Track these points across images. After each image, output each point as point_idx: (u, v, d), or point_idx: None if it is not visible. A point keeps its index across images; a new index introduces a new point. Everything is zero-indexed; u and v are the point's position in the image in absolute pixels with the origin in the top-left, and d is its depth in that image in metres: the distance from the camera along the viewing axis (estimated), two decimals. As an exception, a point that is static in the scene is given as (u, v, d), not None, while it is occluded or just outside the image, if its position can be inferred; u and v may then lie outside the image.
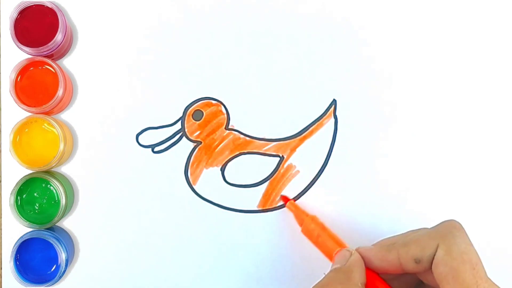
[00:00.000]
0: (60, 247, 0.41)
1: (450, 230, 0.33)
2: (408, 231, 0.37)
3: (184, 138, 0.45)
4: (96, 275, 0.44)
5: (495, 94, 0.46)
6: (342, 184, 0.45)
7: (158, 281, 0.44)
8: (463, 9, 0.46)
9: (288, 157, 0.45)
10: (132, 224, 0.44)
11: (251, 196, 0.45)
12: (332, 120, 0.45)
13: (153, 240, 0.44)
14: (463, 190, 0.45)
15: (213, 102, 0.45)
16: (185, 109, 0.45)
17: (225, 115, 0.45)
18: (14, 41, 0.41)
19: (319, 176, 0.45)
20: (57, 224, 0.43)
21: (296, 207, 0.44)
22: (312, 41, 0.45)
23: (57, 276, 0.41)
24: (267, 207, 0.44)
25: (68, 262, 0.41)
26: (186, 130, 0.45)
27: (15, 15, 0.41)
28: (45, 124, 0.42)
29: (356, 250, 0.37)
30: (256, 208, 0.45)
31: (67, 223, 0.44)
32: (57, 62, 0.44)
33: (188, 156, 0.44)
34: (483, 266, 0.32)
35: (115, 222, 0.44)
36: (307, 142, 0.45)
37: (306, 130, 0.45)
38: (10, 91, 0.41)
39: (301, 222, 0.43)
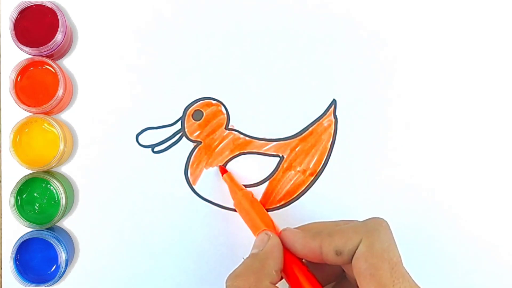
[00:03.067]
0: (60, 247, 0.41)
1: (375, 227, 0.33)
2: (340, 220, 0.36)
3: (184, 138, 0.45)
4: (96, 275, 0.44)
5: (496, 93, 0.46)
6: (342, 184, 0.45)
7: (158, 281, 0.44)
8: (464, 9, 0.46)
9: (288, 157, 0.45)
10: (132, 224, 0.44)
11: (251, 196, 0.45)
12: (332, 120, 0.45)
13: (153, 240, 0.44)
14: (463, 189, 0.45)
15: (213, 102, 0.45)
16: (185, 109, 0.45)
17: (225, 115, 0.45)
18: (14, 41, 0.41)
19: (319, 176, 0.45)
20: (57, 224, 0.43)
21: (232, 179, 0.43)
22: (312, 41, 0.45)
23: (57, 276, 0.41)
24: (267, 207, 0.44)
25: (68, 262, 0.41)
26: (186, 130, 0.45)
27: (15, 15, 0.41)
28: (45, 124, 0.42)
29: (282, 231, 0.36)
30: (256, 208, 0.44)
31: (67, 223, 0.44)
32: (57, 62, 0.44)
33: (188, 156, 0.44)
34: (403, 267, 0.32)
35: (115, 222, 0.44)
36: (307, 142, 0.45)
37: (306, 130, 0.45)
38: (10, 91, 0.41)
39: (234, 196, 0.42)
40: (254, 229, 0.39)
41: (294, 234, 0.36)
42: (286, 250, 0.36)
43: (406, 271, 0.32)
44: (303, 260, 0.36)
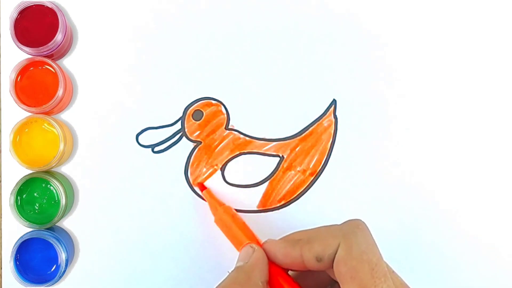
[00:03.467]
0: (60, 247, 0.41)
1: (352, 229, 0.33)
2: (320, 226, 0.36)
3: (184, 138, 0.45)
4: (96, 275, 0.44)
5: (496, 93, 0.46)
6: (342, 184, 0.45)
7: (158, 281, 0.44)
8: (464, 9, 0.46)
9: (288, 157, 0.45)
10: (132, 224, 0.44)
11: (251, 196, 0.45)
12: (332, 120, 0.45)
13: (153, 240, 0.44)
14: (463, 189, 0.45)
15: (213, 102, 0.45)
16: (185, 109, 0.45)
17: (225, 115, 0.45)
18: (14, 41, 0.41)
19: (319, 176, 0.45)
20: (57, 224, 0.43)
21: (212, 195, 0.43)
22: (312, 41, 0.45)
23: (57, 276, 0.41)
24: (267, 207, 0.44)
25: (68, 262, 0.41)
26: (186, 130, 0.45)
27: (15, 15, 0.41)
28: (45, 124, 0.42)
29: (264, 243, 0.36)
30: (256, 208, 0.45)
31: (67, 223, 0.44)
32: (57, 62, 0.44)
33: (188, 156, 0.44)
34: (384, 266, 0.32)
35: (115, 222, 0.44)
36: (307, 142, 0.45)
37: (306, 130, 0.45)
38: (10, 91, 0.41)
39: (215, 212, 0.42)
40: (237, 243, 0.39)
41: (275, 244, 0.36)
42: (271, 262, 0.36)
43: (390, 269, 0.32)
44: (289, 272, 0.36)
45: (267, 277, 0.35)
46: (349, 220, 0.34)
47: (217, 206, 0.42)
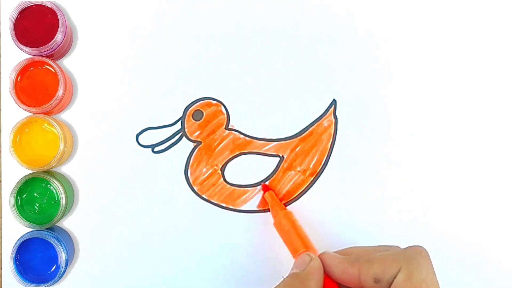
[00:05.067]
0: (60, 247, 0.41)
1: (415, 256, 0.33)
2: (380, 245, 0.36)
3: (184, 138, 0.45)
4: (96, 275, 0.44)
5: (496, 93, 0.46)
6: (342, 184, 0.45)
7: (158, 281, 0.44)
8: (464, 9, 0.46)
9: (288, 157, 0.45)
10: (132, 224, 0.44)
11: (251, 196, 0.45)
12: (332, 120, 0.45)
13: (153, 240, 0.44)
14: (463, 189, 0.45)
15: (213, 102, 0.45)
16: (185, 109, 0.45)
17: (225, 115, 0.45)
18: (14, 41, 0.41)
19: (319, 176, 0.45)
20: (57, 224, 0.43)
21: (274, 198, 0.43)
22: (312, 41, 0.45)
23: (57, 276, 0.41)
24: (267, 207, 0.44)
25: (68, 262, 0.41)
26: (186, 130, 0.45)
27: (15, 15, 0.41)
28: (45, 124, 0.42)
29: (321, 255, 0.36)
30: (256, 208, 0.45)
31: (67, 223, 0.44)
32: (57, 62, 0.44)
33: (188, 156, 0.44)
34: None
35: (115, 222, 0.44)
36: (307, 142, 0.45)
37: (306, 130, 0.45)
38: (10, 91, 0.41)
39: (275, 215, 0.42)
40: (294, 249, 0.39)
41: (333, 258, 0.35)
42: (325, 275, 0.35)
43: None
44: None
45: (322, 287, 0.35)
46: (412, 246, 0.34)
47: (278, 209, 0.42)
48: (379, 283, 0.33)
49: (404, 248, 0.34)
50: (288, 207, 0.45)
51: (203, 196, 0.44)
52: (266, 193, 0.43)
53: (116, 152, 0.44)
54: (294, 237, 0.39)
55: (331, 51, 0.45)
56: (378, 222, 0.45)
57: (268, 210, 0.44)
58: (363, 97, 0.45)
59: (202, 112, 0.45)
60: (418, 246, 0.34)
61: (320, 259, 0.36)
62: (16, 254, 0.41)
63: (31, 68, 0.42)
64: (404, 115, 0.45)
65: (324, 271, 0.35)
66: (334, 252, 0.37)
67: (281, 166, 0.45)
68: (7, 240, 0.43)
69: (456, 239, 0.45)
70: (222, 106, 0.45)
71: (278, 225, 0.41)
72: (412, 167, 0.45)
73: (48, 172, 0.42)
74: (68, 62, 0.44)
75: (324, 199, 0.45)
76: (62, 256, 0.41)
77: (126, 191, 0.44)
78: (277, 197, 0.43)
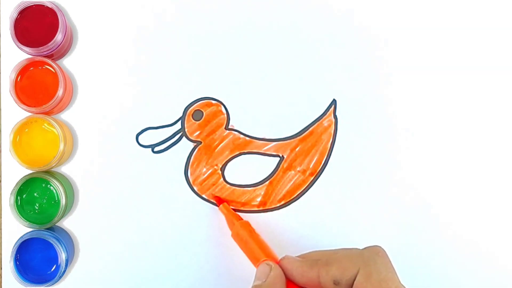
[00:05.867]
0: (60, 247, 0.41)
1: (372, 256, 0.33)
2: (340, 248, 0.36)
3: (184, 138, 0.45)
4: (96, 275, 0.44)
5: (496, 92, 0.46)
6: (342, 184, 0.45)
7: (158, 281, 0.44)
8: (464, 9, 0.46)
9: (288, 157, 0.45)
10: (132, 224, 0.44)
11: (251, 196, 0.45)
12: (332, 120, 0.45)
13: (153, 240, 0.44)
14: (463, 189, 0.45)
15: (213, 102, 0.45)
16: (185, 109, 0.45)
17: (225, 115, 0.45)
18: (14, 41, 0.41)
19: (319, 176, 0.45)
20: (57, 224, 0.43)
21: (229, 210, 0.43)
22: (312, 41, 0.45)
23: (57, 276, 0.41)
24: (267, 207, 0.44)
25: (68, 262, 0.41)
26: (186, 130, 0.45)
27: (15, 15, 0.41)
28: (45, 124, 0.42)
29: (281, 260, 0.36)
30: (256, 208, 0.45)
31: (67, 223, 0.44)
32: (57, 62, 0.44)
33: (188, 156, 0.44)
34: None
35: (115, 222, 0.44)
36: (307, 142, 0.45)
37: (306, 130, 0.45)
38: (10, 91, 0.41)
39: (231, 227, 0.42)
40: (254, 259, 0.39)
41: (292, 263, 0.36)
42: (288, 280, 0.35)
43: None
44: None
45: None
46: (369, 247, 0.34)
47: (234, 220, 0.42)
48: (338, 285, 0.33)
49: (362, 249, 0.34)
50: (288, 207, 0.45)
51: (203, 196, 0.44)
52: (221, 205, 0.43)
53: (116, 152, 0.44)
54: (253, 247, 0.39)
55: (331, 51, 0.45)
56: (378, 222, 0.45)
57: (268, 210, 0.44)
58: (363, 97, 0.45)
59: (202, 112, 0.45)
60: (376, 246, 0.34)
61: (281, 265, 0.36)
62: (16, 254, 0.41)
63: (31, 68, 0.42)
64: (404, 115, 0.45)
65: (287, 277, 0.35)
66: (296, 256, 0.37)
67: (281, 166, 0.45)
68: (7, 240, 0.43)
69: (457, 239, 0.45)
70: (222, 106, 0.45)
71: (236, 236, 0.41)
72: (412, 167, 0.45)
73: (48, 172, 0.42)
74: (68, 62, 0.44)
75: (324, 199, 0.45)
76: (62, 256, 0.41)
77: (126, 191, 0.44)
78: (231, 210, 0.43)
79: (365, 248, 0.34)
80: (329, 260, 0.34)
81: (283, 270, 0.36)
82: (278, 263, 0.36)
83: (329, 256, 0.34)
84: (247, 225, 0.41)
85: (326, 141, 0.45)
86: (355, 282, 0.32)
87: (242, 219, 0.42)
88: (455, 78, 0.46)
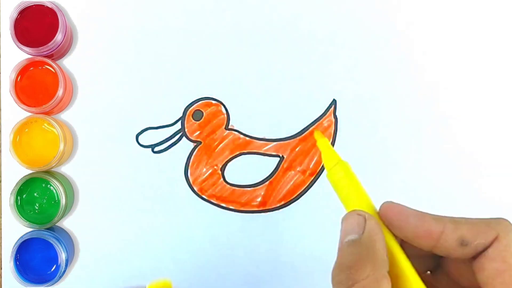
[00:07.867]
0: (60, 247, 0.40)
1: (510, 227, 0.27)
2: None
3: (184, 138, 0.45)
4: (96, 275, 0.44)
5: (497, 93, 0.46)
6: (342, 184, 0.45)
7: (158, 281, 0.44)
8: (464, 9, 0.46)
9: (288, 157, 0.45)
10: (132, 224, 0.44)
11: (251, 196, 0.45)
12: (332, 120, 0.45)
13: (153, 240, 0.44)
14: (464, 191, 0.45)
15: (213, 102, 0.45)
16: (185, 109, 0.45)
17: (225, 115, 0.45)
18: (14, 41, 0.41)
19: (319, 176, 0.45)
20: (57, 224, 0.43)
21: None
22: (312, 41, 0.45)
23: (57, 276, 0.41)
24: (267, 207, 0.44)
25: (68, 262, 0.41)
26: (186, 130, 0.45)
27: (15, 15, 0.41)
28: (45, 124, 0.42)
29: (386, 206, 0.30)
30: (256, 208, 0.45)
31: (67, 223, 0.44)
32: (57, 62, 0.44)
33: (188, 156, 0.44)
34: None
35: (115, 222, 0.44)
36: (307, 142, 0.45)
37: (306, 130, 0.45)
38: (10, 91, 0.41)
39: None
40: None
41: (405, 211, 0.29)
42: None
43: None
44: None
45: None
46: (498, 218, 0.28)
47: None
48: (465, 247, 0.27)
49: (494, 218, 0.28)
50: (288, 207, 0.45)
51: (203, 196, 0.44)
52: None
53: (116, 152, 0.44)
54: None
55: (331, 51, 0.45)
56: (378, 222, 0.45)
57: (268, 210, 0.44)
58: (363, 97, 0.45)
59: (202, 112, 0.45)
60: (503, 218, 0.28)
61: (386, 211, 0.30)
62: (16, 254, 0.41)
63: (31, 68, 0.42)
64: (404, 115, 0.45)
65: (388, 225, 0.30)
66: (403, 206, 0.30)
67: (281, 166, 0.45)
68: (7, 240, 0.43)
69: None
70: (222, 106, 0.45)
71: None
72: (412, 167, 0.45)
73: (48, 172, 0.42)
74: (68, 62, 0.44)
75: (324, 199, 0.45)
76: (62, 256, 0.41)
77: (126, 191, 0.44)
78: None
79: (494, 218, 0.28)
80: (456, 219, 0.28)
81: (389, 217, 0.30)
82: (378, 212, 0.31)
83: (452, 217, 0.28)
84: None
85: (326, 141, 0.45)
86: (490, 248, 0.27)
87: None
88: (455, 78, 0.46)
